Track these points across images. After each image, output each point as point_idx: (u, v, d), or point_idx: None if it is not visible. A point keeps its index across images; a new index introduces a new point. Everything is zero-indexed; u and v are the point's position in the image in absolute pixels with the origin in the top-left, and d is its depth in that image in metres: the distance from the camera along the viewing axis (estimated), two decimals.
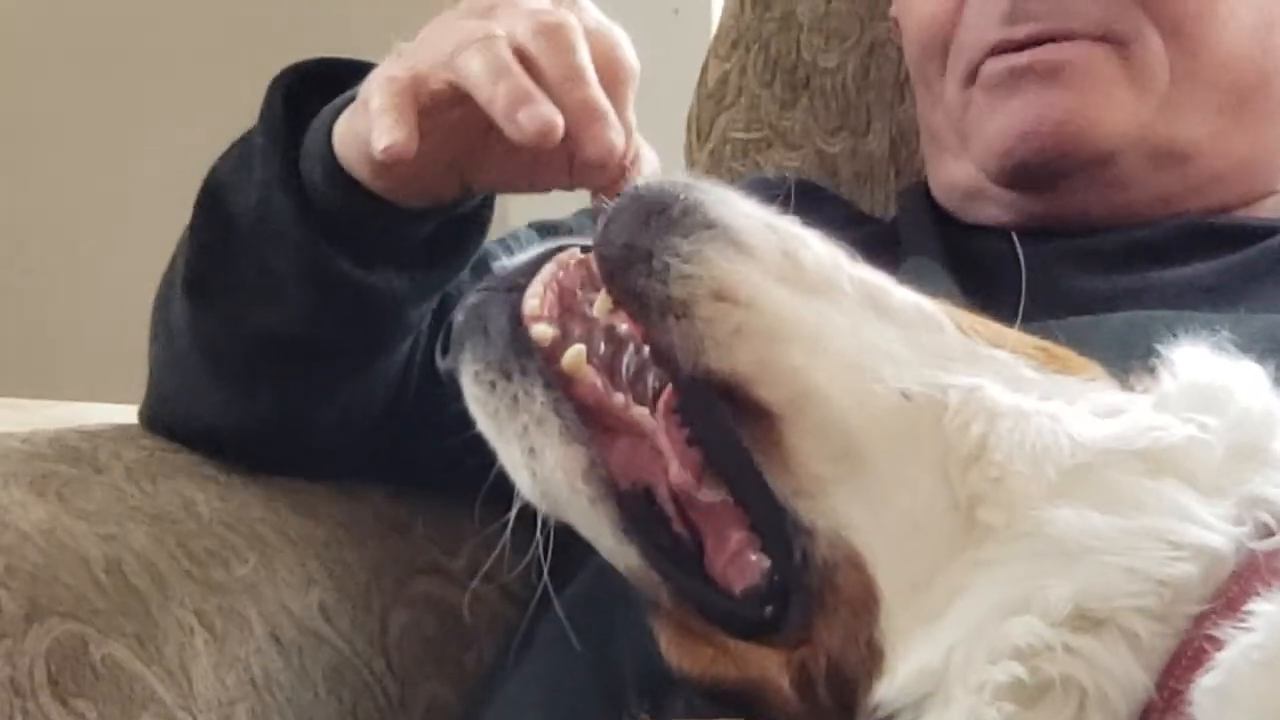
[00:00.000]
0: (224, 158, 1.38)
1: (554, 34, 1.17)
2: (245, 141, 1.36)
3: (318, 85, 1.34)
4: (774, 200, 1.12)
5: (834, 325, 1.07)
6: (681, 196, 1.10)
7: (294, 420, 1.42)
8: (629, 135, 1.19)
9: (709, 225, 1.09)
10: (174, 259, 1.42)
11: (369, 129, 1.20)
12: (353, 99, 1.27)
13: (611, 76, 1.19)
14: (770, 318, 1.07)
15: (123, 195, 3.09)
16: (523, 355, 1.12)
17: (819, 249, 1.11)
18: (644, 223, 1.09)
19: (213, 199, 1.36)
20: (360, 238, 1.31)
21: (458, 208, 1.32)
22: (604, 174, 1.18)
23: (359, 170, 1.27)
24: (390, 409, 1.43)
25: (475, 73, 1.17)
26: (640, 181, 1.15)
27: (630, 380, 1.12)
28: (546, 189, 1.28)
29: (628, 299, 1.09)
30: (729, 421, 1.06)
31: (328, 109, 1.30)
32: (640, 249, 1.08)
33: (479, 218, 1.35)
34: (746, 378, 1.06)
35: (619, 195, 1.12)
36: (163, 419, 1.47)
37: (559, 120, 1.15)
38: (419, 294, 1.35)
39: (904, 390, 1.06)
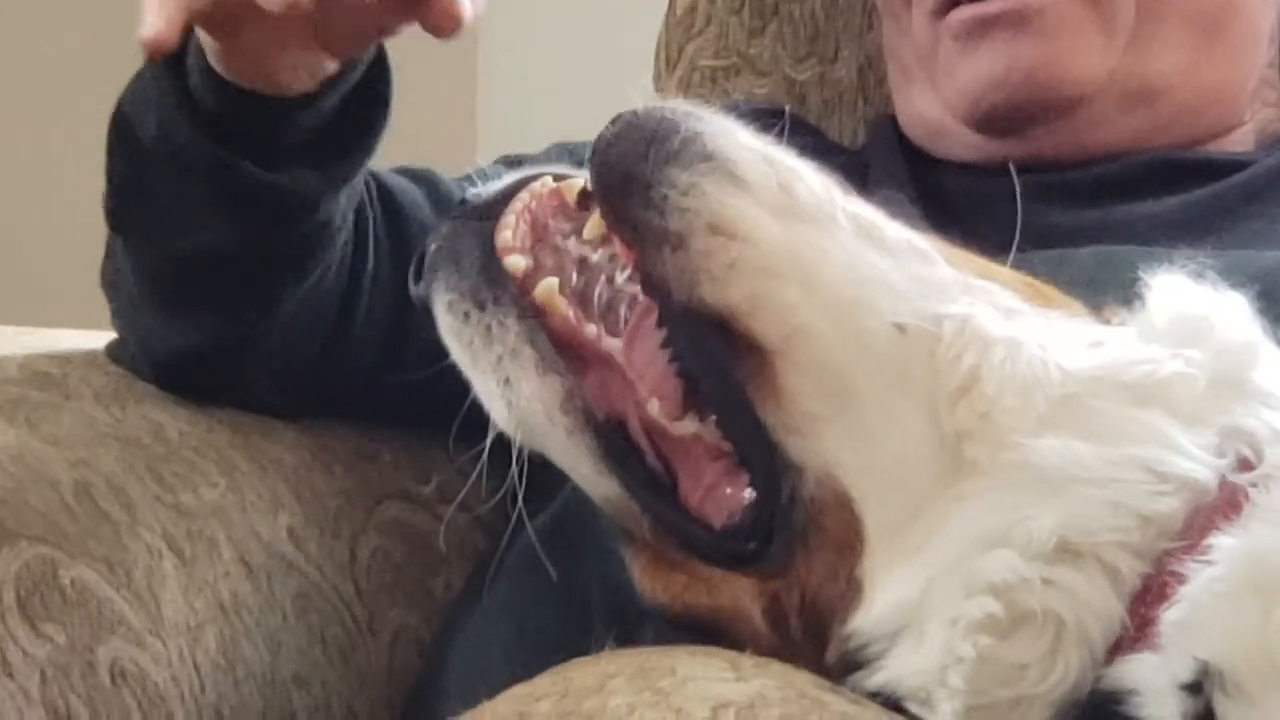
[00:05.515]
0: (128, 89, 1.37)
1: None
2: (143, 70, 1.35)
3: None
4: (766, 129, 1.12)
5: (829, 259, 1.07)
6: (682, 127, 1.09)
7: (237, 342, 1.41)
8: None
9: (707, 157, 1.08)
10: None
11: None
12: None
13: None
14: (765, 252, 1.06)
15: (92, 118, 3.06)
16: (496, 286, 1.12)
17: (814, 182, 1.10)
18: (644, 152, 1.08)
19: (121, 131, 1.36)
20: (257, 138, 1.30)
21: (343, 85, 1.31)
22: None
23: (219, 66, 1.27)
24: (339, 334, 1.43)
25: None
26: (641, 108, 1.14)
27: (602, 312, 1.12)
28: (396, 32, 1.26)
29: (623, 228, 1.09)
30: (721, 355, 1.06)
31: None
32: (639, 179, 1.08)
33: (377, 93, 1.33)
34: (740, 312, 1.06)
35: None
36: (123, 358, 1.46)
37: None
38: (332, 185, 1.34)
39: (898, 323, 1.05)
